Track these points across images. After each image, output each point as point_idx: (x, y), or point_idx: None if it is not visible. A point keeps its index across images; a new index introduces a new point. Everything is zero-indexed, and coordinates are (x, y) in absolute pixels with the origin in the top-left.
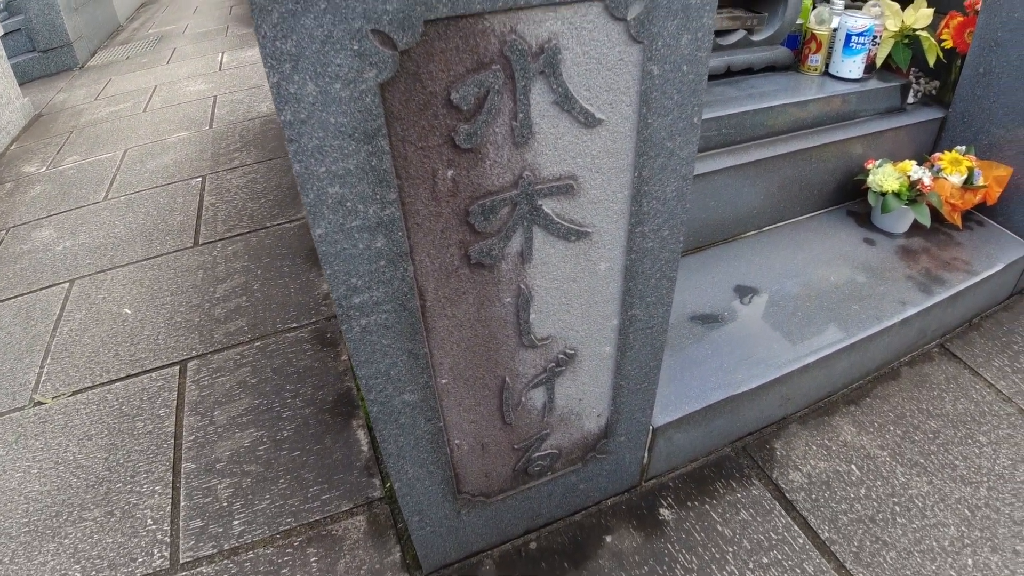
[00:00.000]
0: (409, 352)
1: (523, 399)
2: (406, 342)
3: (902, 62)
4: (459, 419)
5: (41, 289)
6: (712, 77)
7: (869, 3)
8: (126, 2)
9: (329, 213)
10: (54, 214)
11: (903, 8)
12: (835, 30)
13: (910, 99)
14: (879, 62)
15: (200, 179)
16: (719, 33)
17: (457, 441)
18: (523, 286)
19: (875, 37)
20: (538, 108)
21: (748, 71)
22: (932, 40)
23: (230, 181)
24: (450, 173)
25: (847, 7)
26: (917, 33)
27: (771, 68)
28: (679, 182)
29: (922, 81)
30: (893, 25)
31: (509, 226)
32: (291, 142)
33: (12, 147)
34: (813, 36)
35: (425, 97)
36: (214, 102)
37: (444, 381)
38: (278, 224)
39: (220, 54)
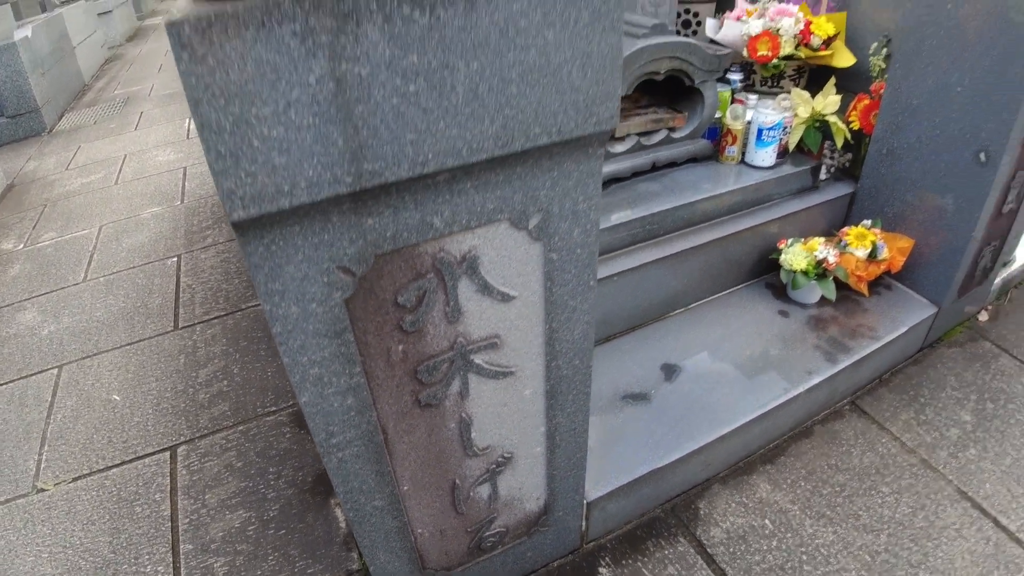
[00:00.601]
0: (377, 471)
1: (471, 494)
2: (374, 465)
3: (813, 145)
4: (420, 514)
5: (31, 375)
6: (638, 173)
7: (779, 97)
8: (91, 60)
9: (311, 386)
10: (36, 295)
11: (813, 96)
12: (749, 122)
13: (823, 175)
14: (792, 146)
15: (175, 259)
16: (644, 134)
17: (420, 530)
18: (464, 415)
19: (785, 128)
20: (465, 295)
21: (672, 164)
22: (840, 124)
23: (204, 261)
24: (400, 348)
25: (763, 94)
26: (826, 118)
27: (693, 159)
28: (583, 326)
29: (835, 156)
30: (804, 112)
31: (448, 376)
32: (281, 344)
33: None
34: (729, 130)
35: (378, 303)
36: (184, 174)
37: (406, 488)
38: (252, 306)
39: (187, 119)
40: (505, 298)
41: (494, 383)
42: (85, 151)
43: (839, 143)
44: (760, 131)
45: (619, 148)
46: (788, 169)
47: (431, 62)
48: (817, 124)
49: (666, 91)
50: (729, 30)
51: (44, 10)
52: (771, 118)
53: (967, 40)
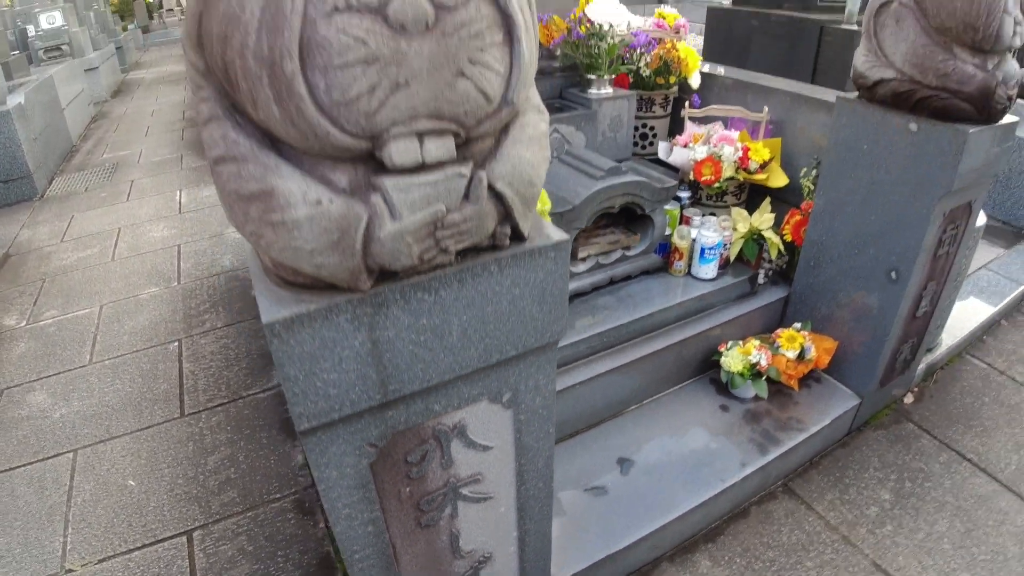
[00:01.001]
0: (387, 574)
1: None
2: (385, 571)
3: (751, 256)
4: None
5: (48, 458)
6: (598, 287)
7: (720, 218)
8: (78, 119)
9: (344, 520)
10: (44, 376)
11: (753, 210)
12: (694, 240)
13: (761, 280)
14: (732, 258)
15: (177, 343)
16: (603, 254)
17: None
18: (453, 530)
19: (725, 244)
20: (455, 450)
21: (628, 277)
22: (774, 238)
23: (204, 347)
24: (408, 489)
25: (709, 208)
26: (762, 232)
27: (646, 272)
28: (544, 459)
29: (771, 266)
30: (743, 228)
31: (443, 504)
32: (323, 494)
33: None
34: (676, 247)
35: (393, 462)
36: (179, 252)
37: None
38: (253, 394)
39: (178, 191)
40: (485, 448)
41: (477, 506)
42: (79, 222)
43: (773, 255)
44: (703, 249)
45: (581, 268)
46: (729, 280)
47: (435, 321)
48: (755, 237)
49: (622, 213)
50: (678, 155)
51: (31, 61)
52: (711, 239)
53: (879, 172)
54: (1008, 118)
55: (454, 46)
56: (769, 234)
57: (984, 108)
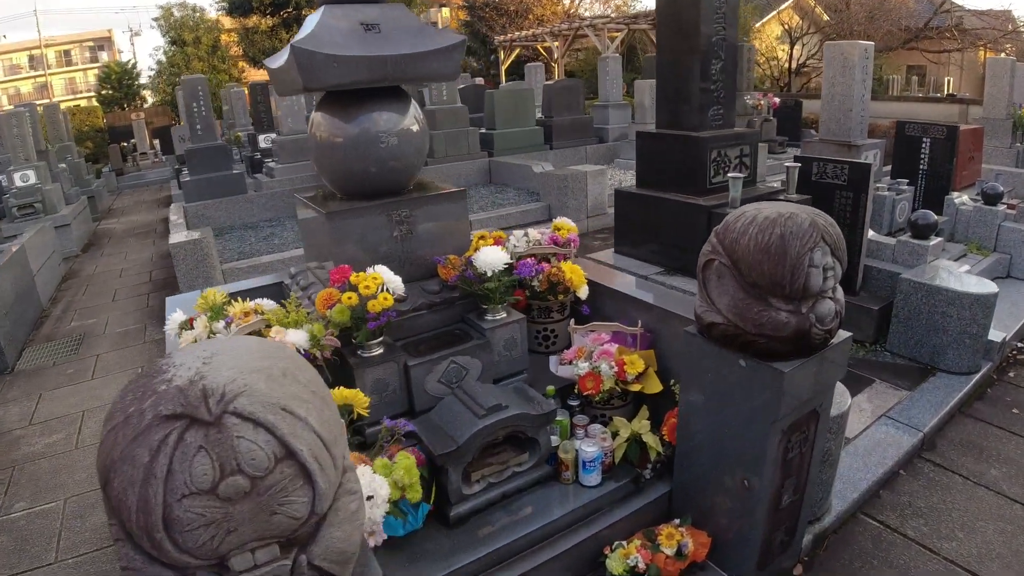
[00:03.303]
0: None
1: None
2: None
3: (634, 458)
4: None
5: None
6: (492, 504)
7: (599, 432)
8: (49, 281)
9: None
10: (16, 573)
11: (637, 412)
12: (578, 450)
13: (648, 475)
14: (618, 460)
15: None
16: (495, 474)
17: None
18: None
19: (606, 454)
20: None
21: (520, 491)
22: (652, 441)
23: None
24: None
25: (599, 411)
26: (642, 436)
27: (538, 483)
28: None
29: (652, 465)
30: (625, 433)
31: None
32: None
33: None
34: (562, 460)
35: None
36: None
37: None
38: None
39: (140, 369)
40: None
41: None
42: (47, 402)
43: (652, 456)
44: (583, 462)
45: (475, 488)
46: (613, 484)
47: None
48: (637, 440)
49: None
50: (563, 371)
51: (3, 216)
52: (590, 453)
53: (722, 395)
54: (841, 334)
55: (266, 501)
56: (648, 437)
57: (801, 347)
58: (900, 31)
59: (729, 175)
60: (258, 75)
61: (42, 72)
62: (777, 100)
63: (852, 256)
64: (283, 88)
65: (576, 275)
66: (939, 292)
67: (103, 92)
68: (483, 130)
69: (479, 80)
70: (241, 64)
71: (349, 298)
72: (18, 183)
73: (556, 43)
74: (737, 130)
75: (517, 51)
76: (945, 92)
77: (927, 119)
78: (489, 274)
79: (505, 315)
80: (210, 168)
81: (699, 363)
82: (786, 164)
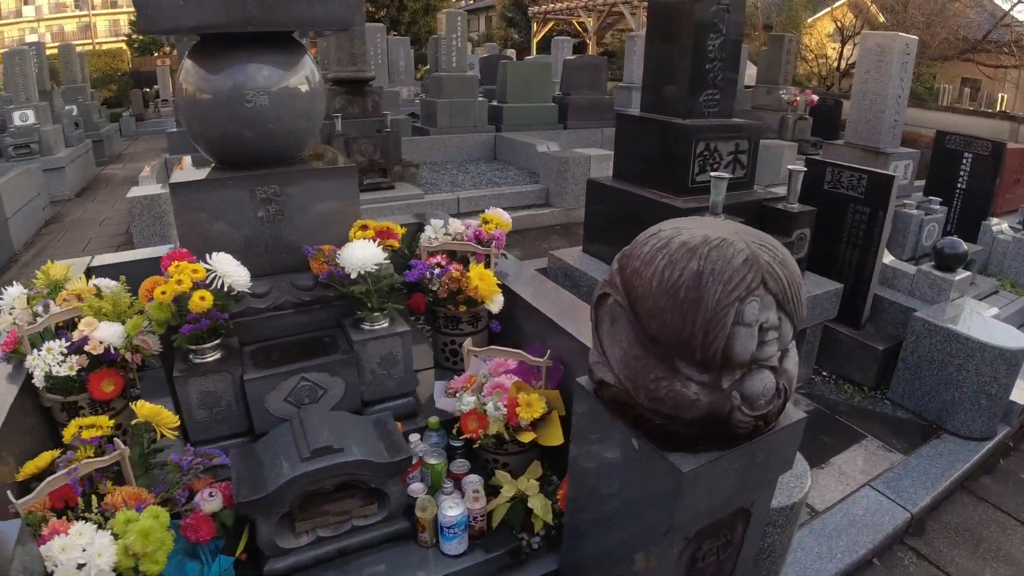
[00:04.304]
0: None
1: None
2: None
3: (517, 522)
4: None
5: None
6: (321, 562)
7: (473, 486)
8: (28, 225)
9: None
10: None
11: (526, 472)
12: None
13: (536, 545)
14: (495, 524)
15: None
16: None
17: None
18: None
19: (475, 518)
20: None
21: (365, 548)
22: (543, 504)
23: None
24: None
25: (489, 461)
26: (529, 499)
27: (391, 540)
28: None
29: (538, 533)
30: (509, 491)
31: None
32: None
33: None
34: (419, 519)
35: None
36: None
37: None
38: None
39: None
40: None
41: None
42: None
43: (538, 526)
44: (442, 527)
45: (302, 541)
46: (482, 556)
47: None
48: (522, 502)
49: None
50: (445, 403)
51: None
52: (451, 517)
53: (614, 478)
54: (789, 415)
55: None
56: (536, 501)
57: (717, 434)
58: (957, 40)
59: (712, 174)
60: None
61: (86, 12)
62: (815, 97)
63: (860, 283)
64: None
65: (485, 283)
66: (958, 339)
67: (133, 36)
68: (494, 102)
69: (510, 52)
70: None
71: (163, 293)
72: (16, 122)
73: (590, 19)
74: (735, 121)
75: (551, 25)
76: (998, 108)
77: (972, 133)
78: (354, 275)
79: (386, 324)
80: None
81: (588, 426)
82: (789, 167)
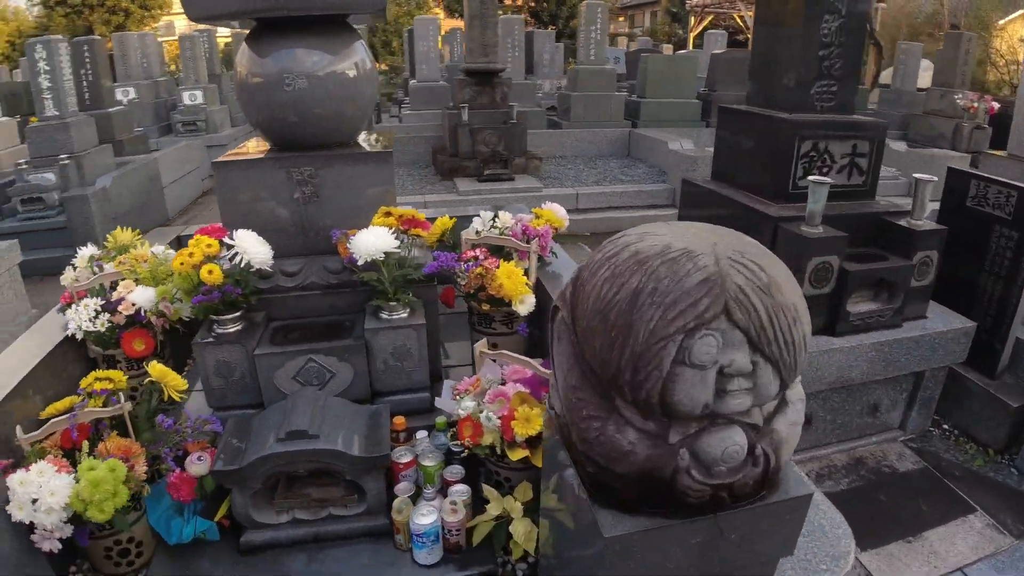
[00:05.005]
0: None
1: None
2: None
3: (499, 545)
4: None
5: None
6: (296, 543)
7: (457, 497)
8: (184, 195)
9: None
10: None
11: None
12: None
13: (522, 572)
14: (476, 541)
15: None
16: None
17: None
18: None
19: (451, 531)
20: None
21: (341, 538)
22: (526, 529)
23: None
24: None
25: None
26: (513, 522)
27: (369, 535)
28: None
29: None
30: (495, 509)
31: None
32: None
33: None
34: (395, 521)
35: None
36: None
37: None
38: None
39: None
40: None
41: None
42: None
43: (515, 553)
44: (413, 534)
45: (281, 519)
46: (453, 571)
47: None
48: (506, 524)
49: None
50: (446, 403)
51: (171, 131)
52: (421, 524)
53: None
54: (798, 482)
55: None
56: (519, 525)
57: (660, 499)
58: None
59: (810, 178)
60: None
61: None
62: (996, 104)
63: (1001, 322)
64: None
65: (512, 281)
66: None
67: None
68: (633, 97)
69: (667, 47)
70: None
71: (182, 263)
72: (186, 101)
73: (751, 12)
74: (854, 118)
75: (710, 19)
76: None
77: None
78: (362, 262)
79: (405, 315)
80: None
81: (550, 458)
82: (915, 175)
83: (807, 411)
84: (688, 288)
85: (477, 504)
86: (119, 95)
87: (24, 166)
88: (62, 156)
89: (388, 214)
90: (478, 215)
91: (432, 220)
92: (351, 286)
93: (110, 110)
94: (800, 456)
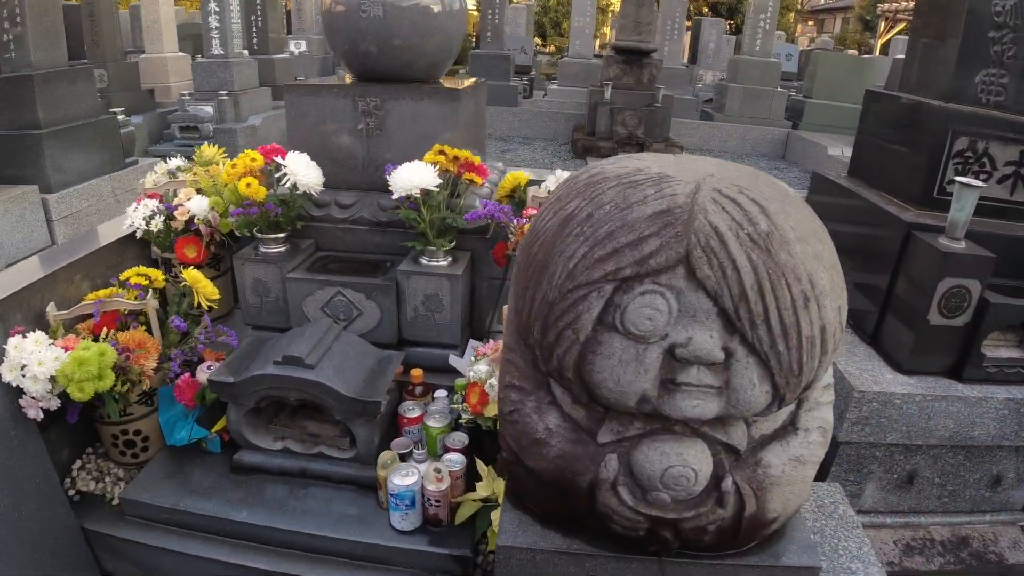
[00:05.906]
0: None
1: None
2: None
3: (482, 529)
4: None
5: None
6: (284, 473)
7: (448, 466)
8: None
9: None
10: None
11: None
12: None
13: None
14: (459, 520)
15: None
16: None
17: None
18: None
19: (432, 501)
20: None
21: (325, 479)
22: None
23: None
24: None
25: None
26: (497, 507)
27: (352, 482)
28: None
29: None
30: (484, 489)
31: None
32: None
33: None
34: (378, 475)
35: None
36: None
37: None
38: None
39: None
40: None
41: None
42: None
43: (491, 543)
44: (390, 494)
45: (275, 446)
46: (424, 544)
47: None
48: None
49: None
50: (459, 362)
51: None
52: (397, 484)
53: None
54: (802, 550)
55: None
56: (499, 512)
57: (574, 518)
58: None
59: (958, 179)
60: None
61: None
62: None
63: None
64: None
65: None
66: None
67: None
68: (798, 96)
69: (851, 51)
70: None
71: (229, 176)
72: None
73: None
74: None
75: (902, 26)
76: None
77: None
78: (396, 196)
79: (444, 263)
80: (487, 75)
81: None
82: (958, 179)
83: (910, 467)
84: (632, 220)
85: (474, 481)
86: (291, 46)
87: (187, 97)
88: (222, 92)
89: (442, 152)
90: (553, 174)
91: None
92: (400, 226)
93: (274, 56)
94: (892, 519)
